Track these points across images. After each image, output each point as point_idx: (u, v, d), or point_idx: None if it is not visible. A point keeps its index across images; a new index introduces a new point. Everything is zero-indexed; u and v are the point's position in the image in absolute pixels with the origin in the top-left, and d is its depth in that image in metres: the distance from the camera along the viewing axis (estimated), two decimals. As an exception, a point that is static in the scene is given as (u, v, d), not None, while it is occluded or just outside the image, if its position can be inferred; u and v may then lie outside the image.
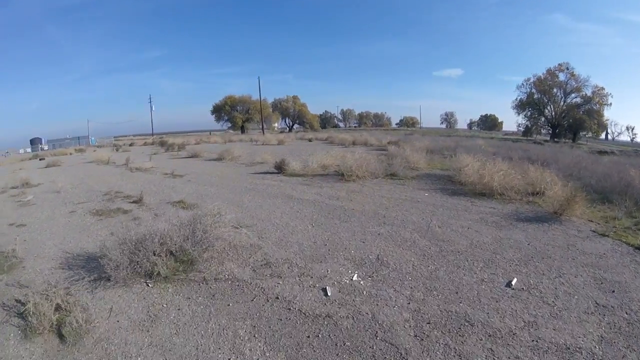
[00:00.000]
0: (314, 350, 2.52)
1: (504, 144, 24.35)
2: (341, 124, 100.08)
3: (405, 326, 2.76)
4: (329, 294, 3.25)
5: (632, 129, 63.90)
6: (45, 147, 49.43)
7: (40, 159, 23.61)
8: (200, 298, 3.27)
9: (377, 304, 3.08)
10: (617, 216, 5.50)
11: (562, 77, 45.13)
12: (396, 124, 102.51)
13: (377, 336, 2.65)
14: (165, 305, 3.19)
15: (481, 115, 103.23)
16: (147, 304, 3.26)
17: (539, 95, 46.78)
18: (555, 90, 45.73)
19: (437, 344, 2.54)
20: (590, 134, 45.68)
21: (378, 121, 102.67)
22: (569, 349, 2.47)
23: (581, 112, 43.38)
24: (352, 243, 4.53)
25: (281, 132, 59.34)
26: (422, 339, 2.60)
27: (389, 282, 3.48)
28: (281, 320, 2.89)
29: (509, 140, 35.24)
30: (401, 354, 2.45)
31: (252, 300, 3.20)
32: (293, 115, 66.74)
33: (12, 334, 2.83)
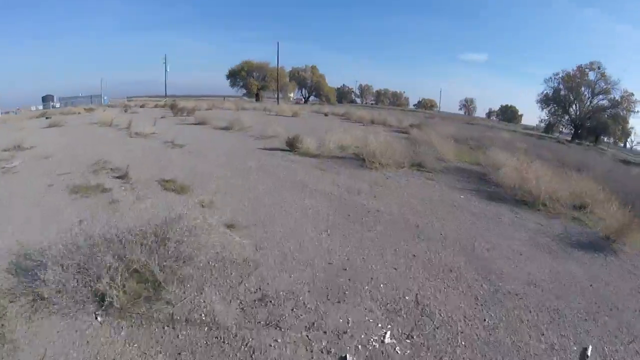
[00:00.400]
0: None
1: (529, 141, 22.46)
2: (358, 100, 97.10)
3: None
4: (351, 368, 2.15)
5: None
6: (57, 105, 48.65)
7: (46, 118, 23.01)
8: (160, 356, 2.21)
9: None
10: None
11: (591, 76, 42.28)
12: (414, 105, 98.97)
13: None
14: (112, 361, 2.16)
15: (501, 106, 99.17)
16: (90, 352, 2.23)
17: (566, 92, 44.17)
18: (583, 89, 42.97)
19: None
20: (612, 140, 43.91)
21: (396, 100, 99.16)
22: None
23: (606, 115, 41.09)
24: (380, 269, 3.39)
25: (296, 102, 57.48)
26: None
27: (435, 351, 2.37)
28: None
29: (532, 135, 33.14)
30: None
31: (235, 370, 2.13)
32: (310, 86, 64.38)
33: None
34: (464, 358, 2.34)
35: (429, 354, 2.34)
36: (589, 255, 4.28)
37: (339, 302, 2.80)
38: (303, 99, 65.77)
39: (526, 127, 60.09)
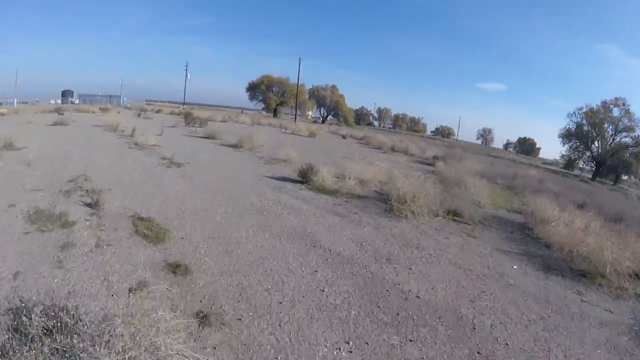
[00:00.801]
0: None
1: (557, 180, 20.68)
2: (375, 123, 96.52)
3: None
4: None
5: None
6: (76, 101, 49.22)
7: (58, 114, 22.61)
8: None
9: None
10: None
11: (615, 112, 40.90)
12: (431, 132, 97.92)
13: None
14: None
15: (519, 138, 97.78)
16: None
17: (589, 128, 42.57)
18: (606, 125, 41.46)
19: None
20: (632, 179, 41.66)
21: (413, 125, 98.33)
22: None
23: (628, 153, 39.26)
24: None
25: (314, 121, 56.82)
26: None
27: None
28: None
29: (556, 172, 31.30)
30: None
31: None
32: (329, 105, 63.85)
33: None
34: None
35: None
36: None
37: None
38: (321, 118, 65.22)
39: (545, 162, 58.06)
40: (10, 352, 1.75)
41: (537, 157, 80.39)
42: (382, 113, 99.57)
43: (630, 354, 3.08)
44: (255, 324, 2.73)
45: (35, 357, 1.72)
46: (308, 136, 22.90)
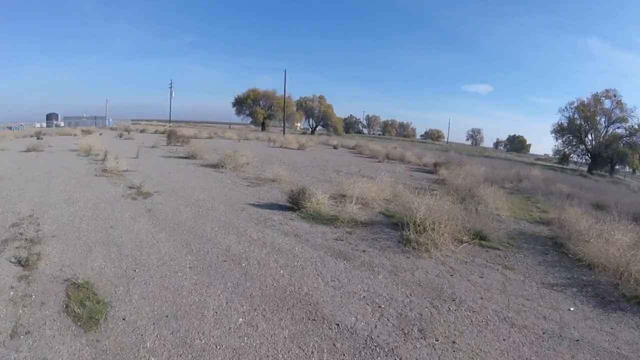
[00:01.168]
0: None
1: (560, 177, 19.77)
2: (365, 130, 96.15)
3: None
4: None
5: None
6: (62, 124, 47.82)
7: (37, 138, 21.46)
8: None
9: None
10: None
11: (607, 104, 41.27)
12: (421, 136, 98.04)
13: None
14: None
15: (509, 136, 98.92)
16: None
17: (581, 122, 42.83)
18: (598, 117, 41.80)
19: None
20: (627, 169, 42.03)
21: (403, 131, 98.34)
22: None
23: (622, 144, 39.40)
24: None
25: (303, 132, 55.93)
26: None
27: None
28: None
29: (554, 169, 30.65)
30: None
31: None
32: (318, 116, 63.06)
33: None
34: None
35: None
36: None
37: None
38: (310, 129, 64.34)
39: (538, 158, 57.90)
40: None
41: (529, 154, 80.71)
42: (371, 120, 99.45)
43: None
44: None
45: None
46: (298, 149, 21.73)
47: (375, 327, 2.91)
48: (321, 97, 63.43)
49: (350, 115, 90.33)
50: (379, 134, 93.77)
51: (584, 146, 43.58)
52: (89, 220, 5.35)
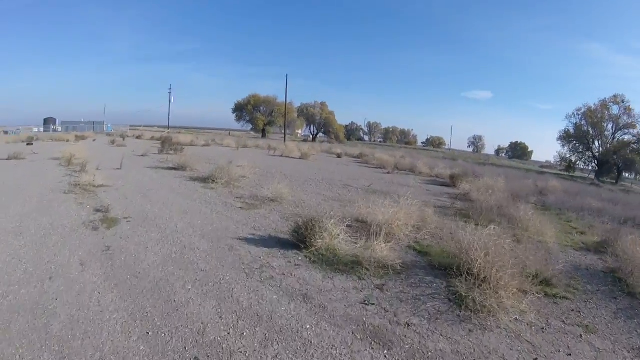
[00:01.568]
0: None
1: (575, 188, 18.29)
2: (366, 137, 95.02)
3: None
4: None
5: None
6: (59, 129, 46.82)
7: (27, 144, 20.36)
8: None
9: None
10: None
11: (615, 110, 40.35)
12: (422, 143, 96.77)
13: None
14: None
15: (511, 143, 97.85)
16: None
17: (588, 128, 41.86)
18: (605, 123, 40.80)
19: None
20: (636, 176, 40.74)
21: (404, 138, 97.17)
22: None
23: (629, 150, 38.32)
24: None
25: (304, 140, 54.60)
26: None
27: None
28: None
29: (564, 178, 29.17)
30: None
31: None
32: (319, 123, 61.74)
33: None
34: None
35: None
36: None
37: None
38: (311, 136, 63.01)
39: (543, 165, 56.51)
40: None
41: (531, 161, 79.30)
42: (372, 127, 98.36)
43: None
44: None
45: None
46: (300, 158, 20.27)
47: None
48: (323, 104, 62.25)
49: (352, 122, 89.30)
50: (380, 141, 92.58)
51: (590, 153, 42.56)
52: (27, 264, 3.87)
